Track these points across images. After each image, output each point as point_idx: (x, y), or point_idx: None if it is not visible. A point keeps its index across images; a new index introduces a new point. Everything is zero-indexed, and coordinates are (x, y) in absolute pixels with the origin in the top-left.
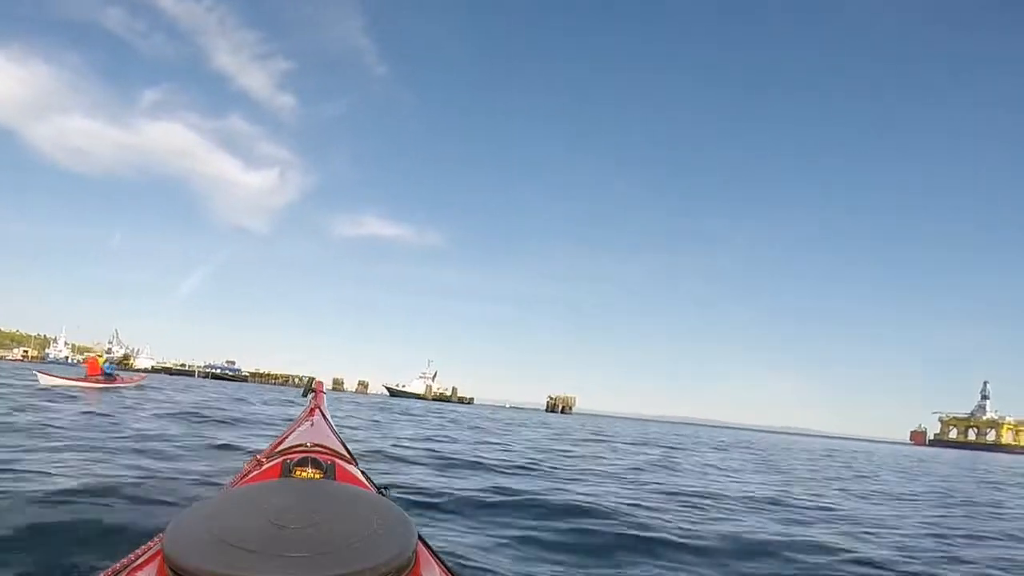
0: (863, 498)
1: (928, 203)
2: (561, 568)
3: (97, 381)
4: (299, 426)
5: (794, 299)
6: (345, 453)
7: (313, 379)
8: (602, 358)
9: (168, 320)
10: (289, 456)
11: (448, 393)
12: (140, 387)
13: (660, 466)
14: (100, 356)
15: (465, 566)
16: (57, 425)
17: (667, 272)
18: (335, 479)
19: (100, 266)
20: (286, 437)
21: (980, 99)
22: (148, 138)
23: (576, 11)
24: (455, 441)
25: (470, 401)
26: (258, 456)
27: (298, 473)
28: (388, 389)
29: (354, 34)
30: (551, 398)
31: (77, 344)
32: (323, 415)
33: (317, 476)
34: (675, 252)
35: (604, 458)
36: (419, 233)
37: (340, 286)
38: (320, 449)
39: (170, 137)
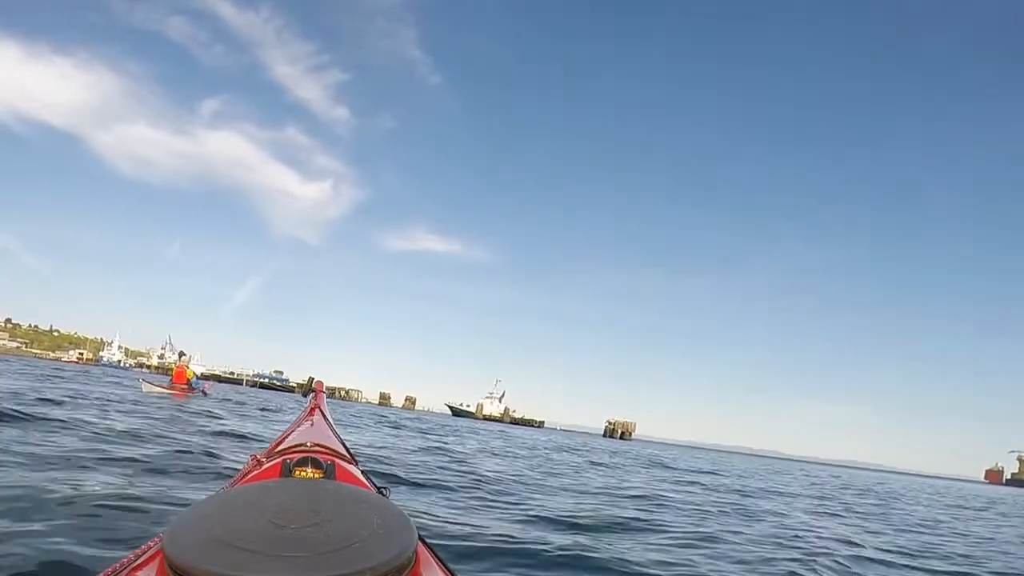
0: None
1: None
2: None
3: (182, 389)
4: (299, 426)
5: (857, 327)
6: (345, 453)
7: (313, 379)
8: (656, 382)
9: (219, 328)
10: (289, 456)
11: (500, 415)
12: (205, 394)
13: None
14: (185, 366)
15: (465, 566)
16: None
17: (722, 294)
18: (335, 479)
19: (158, 274)
20: (286, 437)
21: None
22: (207, 148)
23: (629, 24)
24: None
25: (540, 424)
26: (258, 456)
27: (298, 473)
28: (451, 408)
29: (407, 46)
30: (610, 423)
31: (131, 348)
32: (323, 415)
33: (317, 476)
34: (729, 273)
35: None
36: (469, 248)
37: (389, 300)
38: (320, 449)
39: (229, 147)
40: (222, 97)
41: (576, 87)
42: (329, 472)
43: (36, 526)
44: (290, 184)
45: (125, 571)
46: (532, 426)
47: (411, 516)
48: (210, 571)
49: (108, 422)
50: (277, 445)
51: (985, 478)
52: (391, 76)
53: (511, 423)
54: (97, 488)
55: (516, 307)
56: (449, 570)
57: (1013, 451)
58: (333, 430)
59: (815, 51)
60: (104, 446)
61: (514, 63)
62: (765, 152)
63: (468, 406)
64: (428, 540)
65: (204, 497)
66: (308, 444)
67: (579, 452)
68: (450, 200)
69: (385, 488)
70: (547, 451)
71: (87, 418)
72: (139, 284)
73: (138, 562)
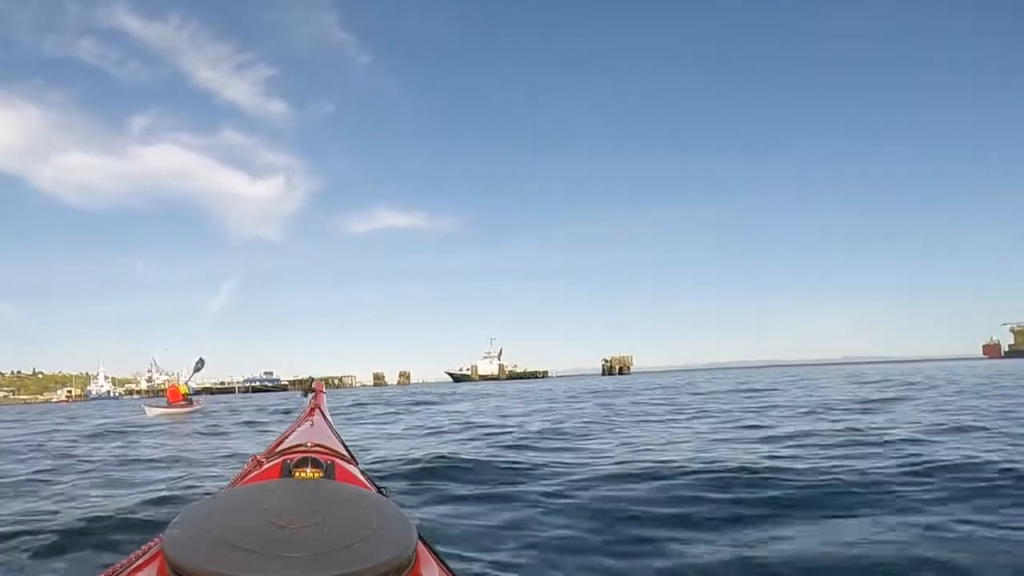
0: None
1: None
2: None
3: (181, 406)
4: (299, 426)
5: (838, 222)
6: (345, 453)
7: (313, 379)
8: (646, 315)
9: (201, 339)
10: (289, 456)
11: (496, 372)
12: (203, 411)
13: None
14: (178, 384)
15: (465, 566)
16: None
17: (694, 221)
18: (335, 479)
19: (129, 298)
20: (286, 437)
21: None
22: (146, 164)
23: None
24: None
25: (544, 375)
26: (258, 456)
27: (298, 473)
28: (452, 375)
29: (331, 29)
30: (606, 360)
31: (117, 378)
32: (323, 415)
33: (317, 476)
34: (699, 200)
35: None
36: (433, 219)
37: (365, 283)
38: (320, 449)
39: (167, 160)
40: (149, 111)
41: (512, 44)
42: (329, 472)
43: None
44: (240, 186)
45: (125, 572)
46: (536, 378)
47: (411, 516)
48: (210, 571)
49: None
50: (277, 445)
51: (984, 353)
52: (320, 62)
53: (508, 379)
54: None
55: (493, 267)
56: (449, 570)
57: (1005, 323)
58: (333, 430)
59: None
60: None
61: (438, 26)
62: (727, 75)
63: (468, 370)
64: (428, 540)
65: (204, 497)
66: (308, 444)
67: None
68: (406, 175)
69: (385, 488)
70: None
71: None
72: (112, 311)
73: (138, 563)
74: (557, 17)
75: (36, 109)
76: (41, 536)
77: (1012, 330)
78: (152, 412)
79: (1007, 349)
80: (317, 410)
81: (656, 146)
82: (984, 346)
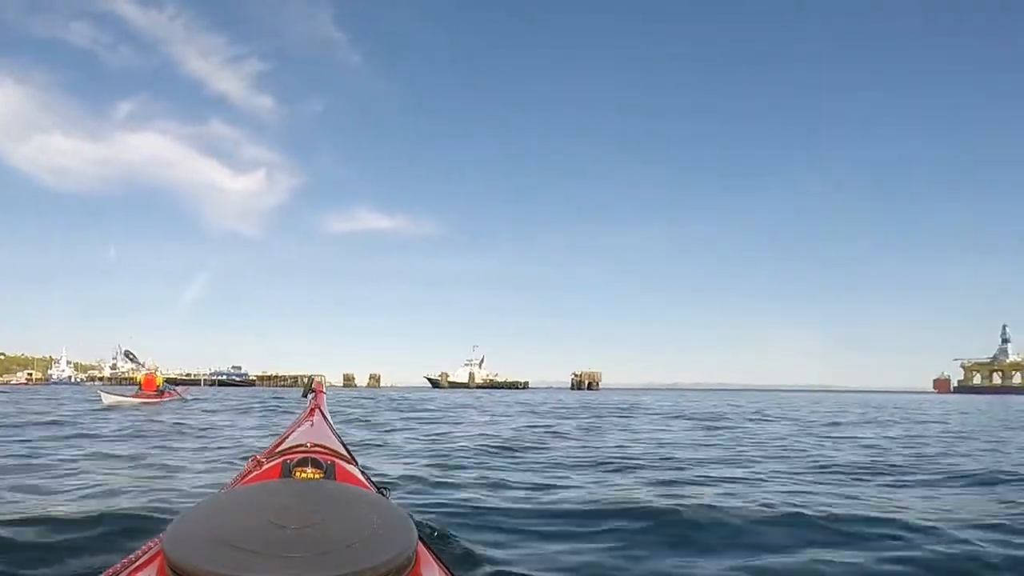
0: None
1: (937, 139)
2: None
3: (150, 396)
4: (299, 426)
5: (800, 253)
6: (345, 453)
7: (312, 379)
8: (615, 332)
9: (169, 330)
10: (289, 456)
11: (467, 380)
12: (184, 400)
13: None
14: (155, 374)
15: (465, 566)
16: None
17: (668, 240)
18: (335, 479)
19: (98, 283)
20: (286, 437)
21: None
22: (128, 150)
23: None
24: None
25: (525, 385)
26: (258, 456)
27: (298, 473)
28: (430, 380)
29: (325, 27)
30: (576, 375)
31: (80, 363)
32: (323, 415)
33: (317, 476)
34: (673, 221)
35: None
36: (415, 223)
37: (341, 283)
38: (320, 449)
39: (150, 147)
40: (136, 98)
41: (499, 44)
42: (329, 472)
43: None
44: (221, 178)
45: (125, 572)
46: (516, 388)
47: (411, 516)
48: (210, 571)
49: None
50: (277, 446)
51: (934, 387)
52: (312, 60)
53: (480, 387)
54: None
55: (477, 274)
56: (449, 570)
57: (957, 359)
58: (333, 430)
59: None
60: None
61: (434, 29)
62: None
63: (448, 376)
64: (428, 540)
65: (205, 497)
66: (308, 444)
67: None
68: (390, 177)
69: (385, 488)
70: None
71: None
72: (81, 296)
73: (138, 563)
74: (555, 25)
75: (20, 88)
76: None
77: (962, 366)
78: (108, 400)
79: (956, 384)
80: (317, 410)
81: (636, 162)
82: (935, 380)
